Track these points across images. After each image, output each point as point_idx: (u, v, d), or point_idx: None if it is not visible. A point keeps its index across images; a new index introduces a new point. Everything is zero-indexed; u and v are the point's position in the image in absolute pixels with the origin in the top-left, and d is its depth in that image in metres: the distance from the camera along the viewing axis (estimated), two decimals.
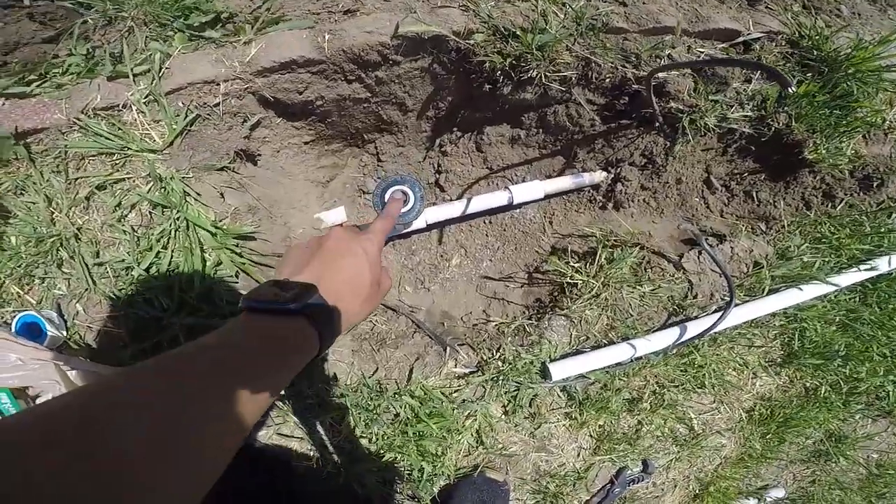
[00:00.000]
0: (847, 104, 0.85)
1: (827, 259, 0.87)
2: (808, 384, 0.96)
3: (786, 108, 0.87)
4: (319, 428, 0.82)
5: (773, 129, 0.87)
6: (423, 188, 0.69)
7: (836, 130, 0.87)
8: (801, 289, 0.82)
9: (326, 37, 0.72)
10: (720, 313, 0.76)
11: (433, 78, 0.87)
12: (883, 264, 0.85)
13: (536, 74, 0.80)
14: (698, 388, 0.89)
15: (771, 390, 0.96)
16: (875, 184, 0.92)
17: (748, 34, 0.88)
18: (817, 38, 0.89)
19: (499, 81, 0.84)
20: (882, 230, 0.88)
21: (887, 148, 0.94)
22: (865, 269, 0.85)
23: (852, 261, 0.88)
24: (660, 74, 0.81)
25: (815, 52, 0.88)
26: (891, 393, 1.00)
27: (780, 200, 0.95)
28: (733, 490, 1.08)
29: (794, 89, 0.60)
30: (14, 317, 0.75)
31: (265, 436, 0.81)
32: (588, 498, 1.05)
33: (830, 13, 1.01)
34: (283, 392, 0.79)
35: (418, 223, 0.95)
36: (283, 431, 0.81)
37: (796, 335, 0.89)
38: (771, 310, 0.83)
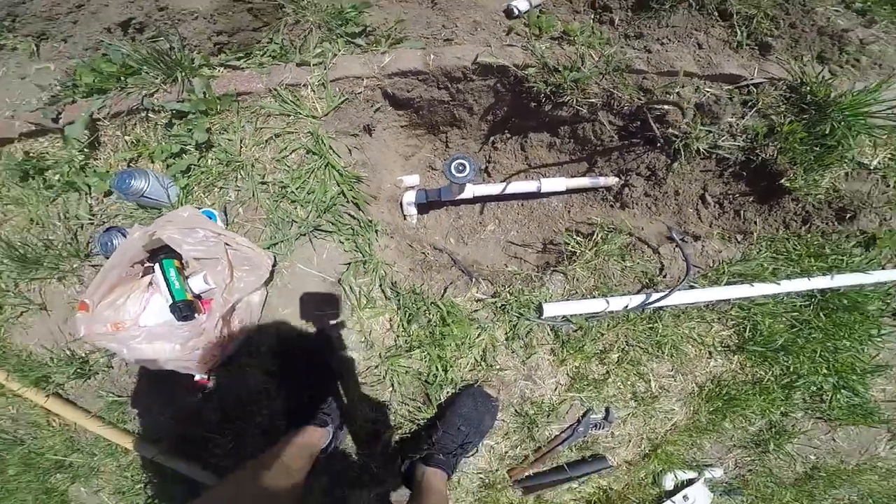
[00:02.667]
0: (825, 143, 1.00)
1: (783, 267, 1.07)
2: (756, 374, 1.14)
3: (773, 141, 1.06)
4: (376, 325, 1.16)
5: (760, 158, 1.08)
6: (477, 164, 1.03)
7: (813, 164, 1.03)
8: (752, 285, 1.03)
9: (431, 57, 1.10)
10: (678, 286, 1.02)
11: (495, 93, 1.21)
12: (825, 280, 1.03)
13: (570, 100, 1.11)
14: (658, 352, 1.13)
15: (722, 372, 1.16)
16: (848, 216, 1.09)
17: (751, 79, 1.05)
18: (816, 85, 1.00)
19: (542, 102, 1.17)
20: (841, 254, 1.07)
21: (867, 186, 1.08)
22: (806, 279, 1.04)
23: (805, 273, 1.07)
24: (665, 106, 1.08)
25: (810, 97, 1.01)
26: (832, 398, 1.14)
27: (763, 220, 1.16)
28: (677, 458, 1.26)
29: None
30: None
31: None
32: (557, 433, 1.30)
33: (846, 63, 1.07)
34: (353, 287, 1.15)
35: (467, 194, 1.31)
36: (349, 325, 1.13)
37: (748, 325, 1.10)
38: (721, 296, 1.05)
